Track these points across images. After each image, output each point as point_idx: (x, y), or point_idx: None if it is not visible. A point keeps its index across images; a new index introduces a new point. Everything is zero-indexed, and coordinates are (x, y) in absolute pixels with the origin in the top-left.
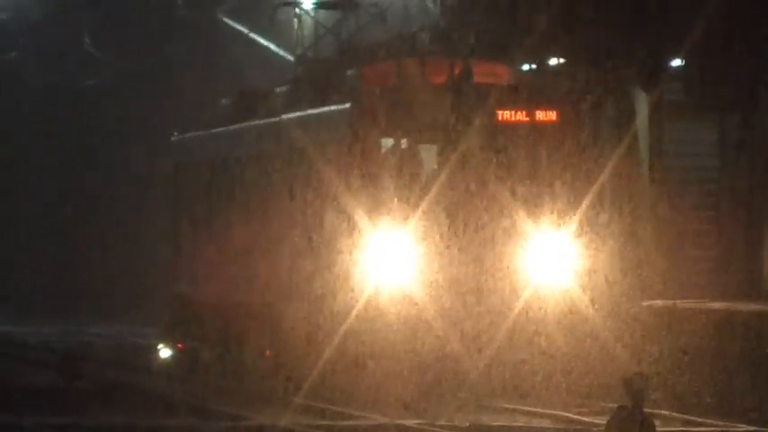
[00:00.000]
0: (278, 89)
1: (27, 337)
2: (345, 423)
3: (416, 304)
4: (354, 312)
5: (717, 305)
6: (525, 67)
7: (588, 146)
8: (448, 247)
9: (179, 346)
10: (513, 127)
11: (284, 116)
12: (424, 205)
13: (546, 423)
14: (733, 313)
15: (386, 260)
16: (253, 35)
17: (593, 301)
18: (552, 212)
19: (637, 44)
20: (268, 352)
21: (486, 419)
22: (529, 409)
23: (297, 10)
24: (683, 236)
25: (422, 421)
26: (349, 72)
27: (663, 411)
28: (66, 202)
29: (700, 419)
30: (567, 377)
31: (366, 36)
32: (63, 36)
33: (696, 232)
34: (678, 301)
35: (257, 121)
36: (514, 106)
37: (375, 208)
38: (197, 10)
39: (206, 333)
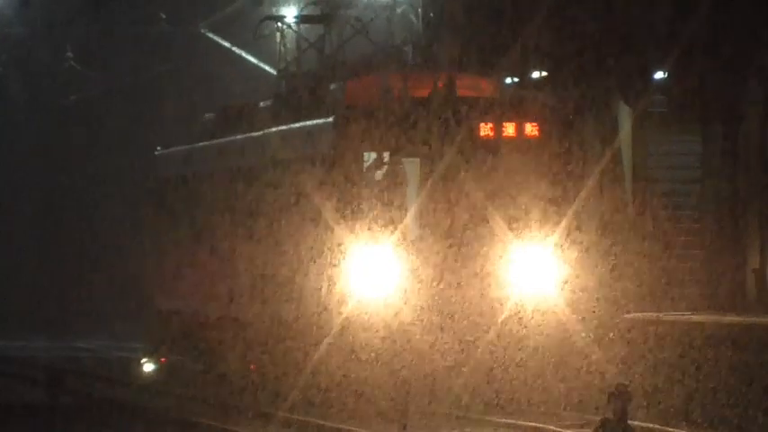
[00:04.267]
0: (261, 103)
1: (11, 352)
2: None
3: (399, 317)
4: (338, 326)
5: (701, 317)
6: (508, 80)
7: (571, 159)
8: (431, 260)
9: (163, 359)
10: (495, 140)
11: (267, 130)
12: (406, 219)
13: None
14: (717, 325)
15: (369, 274)
16: (236, 50)
17: (576, 314)
18: (535, 226)
19: (620, 57)
20: (252, 365)
21: None
22: (512, 421)
23: (280, 24)
24: (666, 248)
25: None
26: (332, 86)
27: (647, 423)
28: (51, 216)
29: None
30: (551, 390)
31: (349, 50)
32: (47, 51)
33: (680, 244)
34: (662, 314)
35: (241, 136)
36: (497, 120)
37: (358, 222)
38: (180, 25)
39: (190, 347)
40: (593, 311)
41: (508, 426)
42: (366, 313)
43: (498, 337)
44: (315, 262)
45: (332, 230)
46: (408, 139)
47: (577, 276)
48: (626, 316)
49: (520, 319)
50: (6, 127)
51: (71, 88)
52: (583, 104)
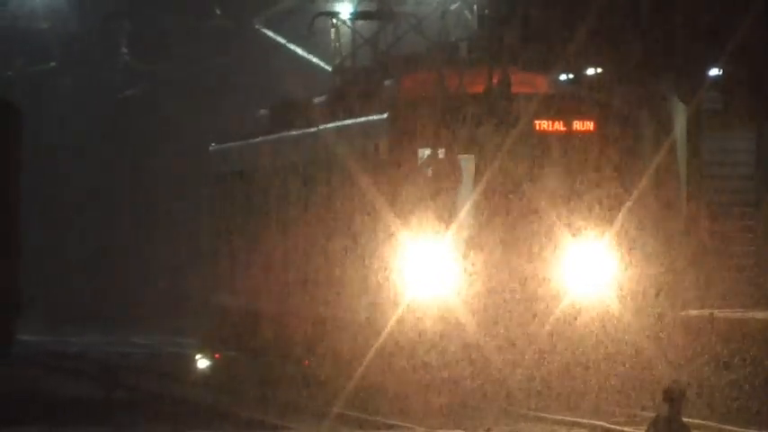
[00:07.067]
0: (316, 99)
1: (65, 347)
2: None
3: (454, 314)
4: (393, 322)
5: (755, 314)
6: (563, 77)
7: (626, 156)
8: (485, 257)
9: (217, 355)
10: (550, 137)
11: (322, 126)
12: (461, 215)
13: None
14: None
15: (423, 270)
16: (291, 45)
17: (630, 311)
18: (590, 222)
19: (675, 54)
20: (306, 361)
21: (524, 428)
22: (566, 418)
23: (334, 20)
24: (720, 245)
25: (460, 431)
26: (386, 82)
27: (701, 421)
28: (104, 212)
29: (738, 429)
30: (605, 386)
31: (404, 46)
32: (102, 46)
33: (734, 241)
34: (716, 311)
35: (296, 132)
36: (552, 116)
37: (412, 218)
38: (235, 20)
39: (244, 343)
40: (649, 308)
41: (561, 422)
42: (421, 308)
43: (553, 333)
44: (369, 258)
45: (386, 227)
46: (463, 136)
47: (633, 273)
48: (681, 313)
49: (575, 315)
50: (63, 122)
51: (125, 83)
52: (638, 101)
